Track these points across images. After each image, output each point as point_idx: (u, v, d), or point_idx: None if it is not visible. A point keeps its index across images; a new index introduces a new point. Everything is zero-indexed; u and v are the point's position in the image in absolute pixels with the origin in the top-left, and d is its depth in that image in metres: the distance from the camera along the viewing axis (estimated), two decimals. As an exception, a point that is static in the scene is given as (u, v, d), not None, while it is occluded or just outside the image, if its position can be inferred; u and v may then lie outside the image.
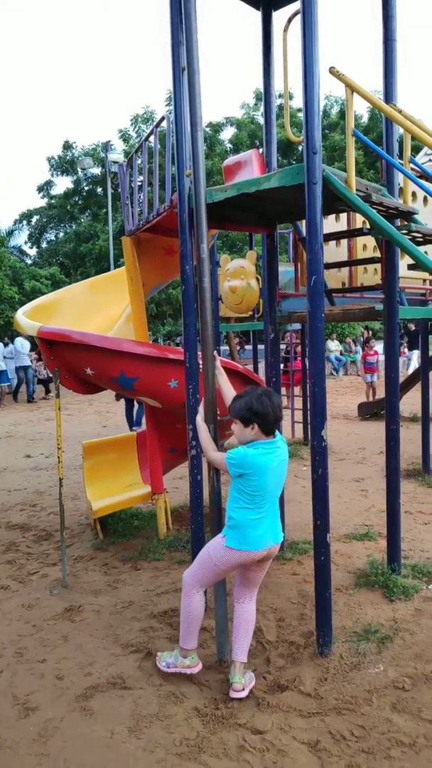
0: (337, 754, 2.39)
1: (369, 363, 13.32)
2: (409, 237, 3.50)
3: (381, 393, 12.32)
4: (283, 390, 9.18)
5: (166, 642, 3.29)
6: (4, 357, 16.04)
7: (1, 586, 4.16)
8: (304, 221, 3.75)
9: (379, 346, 13.37)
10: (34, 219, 34.43)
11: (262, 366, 10.46)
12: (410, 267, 4.20)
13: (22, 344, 16.18)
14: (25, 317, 4.73)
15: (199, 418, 3.07)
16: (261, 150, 4.61)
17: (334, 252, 4.92)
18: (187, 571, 2.90)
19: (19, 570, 4.46)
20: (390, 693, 2.75)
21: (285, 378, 10.09)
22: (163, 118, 3.80)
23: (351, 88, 3.04)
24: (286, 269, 6.14)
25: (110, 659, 3.16)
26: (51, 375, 4.39)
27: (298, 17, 2.91)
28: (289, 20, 3.47)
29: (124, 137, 24.15)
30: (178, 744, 2.47)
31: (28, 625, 3.59)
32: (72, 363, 4.32)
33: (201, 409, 3.12)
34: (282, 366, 10.54)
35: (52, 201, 30.11)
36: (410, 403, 10.34)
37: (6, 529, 5.43)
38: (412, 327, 16.16)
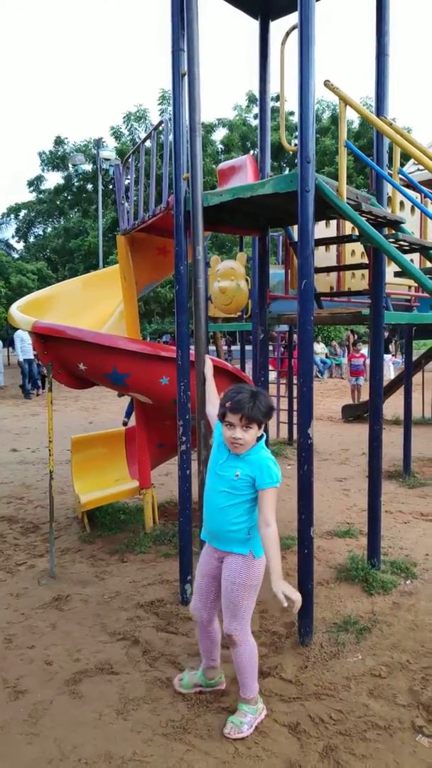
0: (315, 735, 2.51)
1: (355, 366, 13.53)
2: (396, 245, 3.64)
3: (366, 396, 12.52)
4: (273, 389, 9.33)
5: (152, 630, 3.39)
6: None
7: (-11, 576, 4.23)
8: (295, 226, 3.89)
9: (364, 350, 13.57)
10: (22, 213, 34.29)
11: (248, 366, 10.59)
12: (396, 274, 4.34)
13: (22, 338, 15.95)
14: (19, 312, 4.80)
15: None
16: (254, 153, 4.73)
17: (324, 257, 5.06)
18: (232, 626, 2.55)
19: (7, 560, 4.53)
20: (367, 680, 2.88)
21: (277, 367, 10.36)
22: (161, 122, 3.89)
23: (344, 101, 3.17)
24: (275, 272, 6.27)
25: (98, 646, 3.26)
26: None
27: (296, 32, 3.03)
28: (287, 34, 3.59)
29: (116, 135, 24.15)
30: (164, 725, 2.57)
31: (17, 613, 3.67)
32: (66, 358, 4.40)
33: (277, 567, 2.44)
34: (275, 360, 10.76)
35: (41, 196, 30.01)
36: (393, 406, 10.55)
37: (-7, 521, 5.49)
38: (386, 334, 16.43)
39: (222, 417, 2.52)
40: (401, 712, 2.65)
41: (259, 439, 2.55)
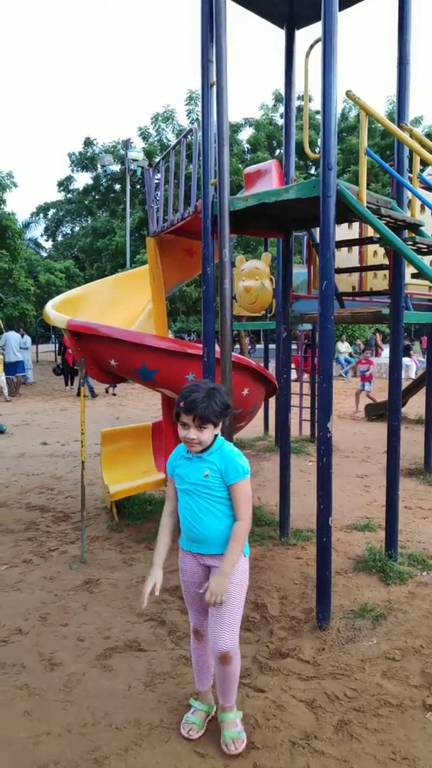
0: (331, 711, 2.67)
1: (361, 372, 13.65)
2: (414, 248, 3.76)
3: (368, 401, 12.70)
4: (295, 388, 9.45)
5: (177, 613, 3.58)
6: (20, 348, 16.36)
7: (24, 560, 4.47)
8: (318, 228, 4.03)
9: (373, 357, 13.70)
10: (51, 212, 34.90)
11: (271, 365, 10.73)
12: (414, 275, 4.45)
13: None
14: (54, 310, 5.04)
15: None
16: (280, 153, 4.88)
17: (346, 257, 5.18)
18: (227, 639, 2.42)
19: (40, 546, 4.77)
20: (381, 662, 3.02)
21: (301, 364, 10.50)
22: (190, 130, 4.08)
23: (365, 111, 3.30)
24: (298, 271, 6.40)
25: (126, 626, 3.46)
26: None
27: (320, 44, 3.17)
28: (311, 46, 3.73)
29: (144, 135, 24.45)
30: (188, 698, 2.76)
31: (51, 594, 3.90)
32: (97, 354, 4.62)
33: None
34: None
35: (70, 195, 30.53)
36: (416, 406, 10.58)
37: (26, 510, 5.75)
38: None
39: (177, 416, 2.38)
40: (413, 692, 2.79)
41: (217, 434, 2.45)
